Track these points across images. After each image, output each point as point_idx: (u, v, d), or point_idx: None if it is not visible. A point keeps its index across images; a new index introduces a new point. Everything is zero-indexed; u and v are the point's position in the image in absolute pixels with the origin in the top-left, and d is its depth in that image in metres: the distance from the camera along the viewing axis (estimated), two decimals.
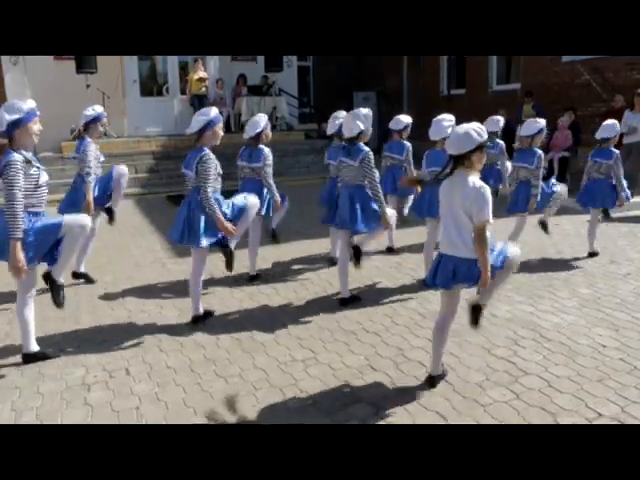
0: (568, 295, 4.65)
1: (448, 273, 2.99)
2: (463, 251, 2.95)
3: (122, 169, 5.10)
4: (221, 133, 4.08)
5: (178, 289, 4.99)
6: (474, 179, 2.93)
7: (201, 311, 4.24)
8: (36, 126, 3.39)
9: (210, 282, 5.12)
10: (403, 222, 6.32)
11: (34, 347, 3.64)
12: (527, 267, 5.40)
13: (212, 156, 3.94)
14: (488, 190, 2.92)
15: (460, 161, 2.95)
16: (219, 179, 4.06)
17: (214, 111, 4.01)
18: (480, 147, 2.93)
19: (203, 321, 4.22)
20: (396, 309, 4.43)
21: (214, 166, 3.95)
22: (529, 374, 3.34)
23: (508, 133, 9.37)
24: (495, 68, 13.18)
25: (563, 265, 5.49)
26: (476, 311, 3.26)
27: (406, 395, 3.14)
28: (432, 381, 3.23)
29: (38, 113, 3.40)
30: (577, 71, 10.76)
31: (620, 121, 8.48)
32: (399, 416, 2.93)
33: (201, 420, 2.93)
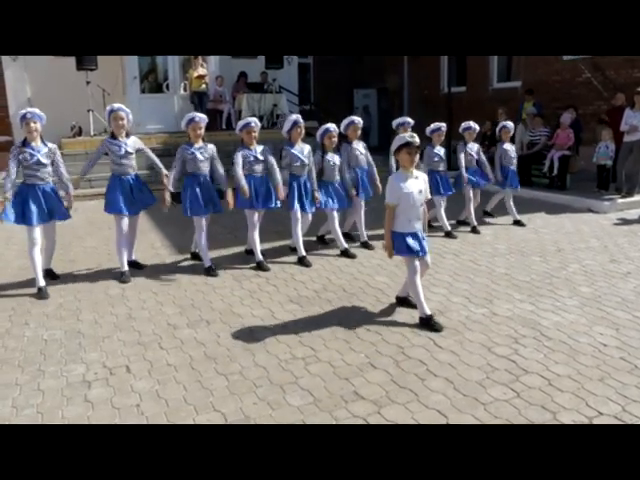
0: (568, 294, 4.65)
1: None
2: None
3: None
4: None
5: (178, 286, 4.99)
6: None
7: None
8: None
9: (210, 279, 5.13)
10: None
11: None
12: (527, 265, 5.41)
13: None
14: (391, 177, 3.99)
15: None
16: None
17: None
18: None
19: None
20: (397, 307, 4.42)
21: None
22: (530, 372, 3.34)
23: None
24: (496, 65, 13.15)
25: (563, 263, 5.49)
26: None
27: (406, 393, 3.14)
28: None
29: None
30: (578, 69, 10.75)
31: (621, 119, 8.47)
32: (399, 414, 2.93)
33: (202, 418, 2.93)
